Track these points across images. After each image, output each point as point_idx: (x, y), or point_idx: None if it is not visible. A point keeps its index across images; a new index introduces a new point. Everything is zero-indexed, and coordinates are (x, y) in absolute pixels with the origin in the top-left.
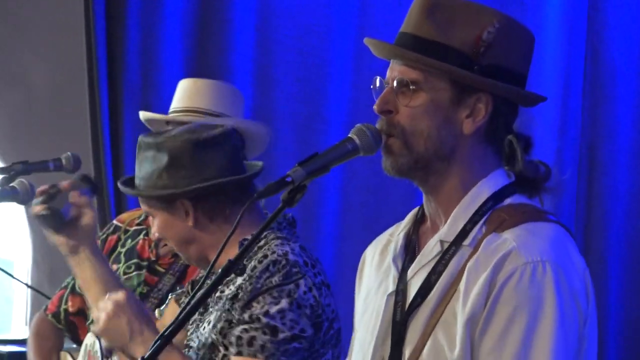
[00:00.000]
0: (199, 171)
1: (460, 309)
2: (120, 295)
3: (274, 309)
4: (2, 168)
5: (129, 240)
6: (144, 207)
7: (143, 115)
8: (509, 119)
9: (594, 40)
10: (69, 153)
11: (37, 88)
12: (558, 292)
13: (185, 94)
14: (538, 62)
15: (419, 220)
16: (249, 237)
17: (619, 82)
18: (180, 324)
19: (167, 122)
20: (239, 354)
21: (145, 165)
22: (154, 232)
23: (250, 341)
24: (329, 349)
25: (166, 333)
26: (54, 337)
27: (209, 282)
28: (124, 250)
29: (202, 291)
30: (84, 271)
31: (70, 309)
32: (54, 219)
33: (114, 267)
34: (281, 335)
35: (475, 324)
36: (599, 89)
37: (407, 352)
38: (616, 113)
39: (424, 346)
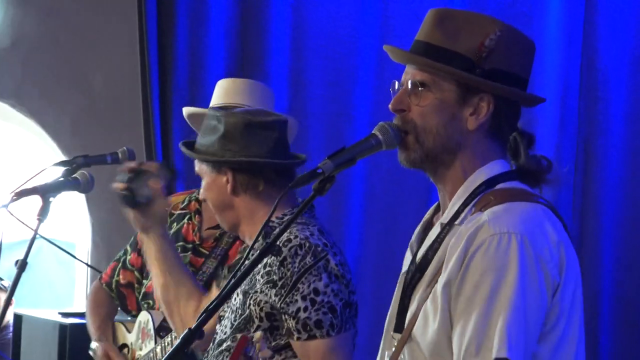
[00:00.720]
0: (244, 147)
1: (441, 277)
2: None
3: (320, 285)
4: (66, 161)
5: (175, 224)
6: (197, 168)
7: (186, 110)
8: (511, 117)
9: (589, 50)
10: (124, 147)
11: (97, 91)
12: (522, 258)
13: (224, 91)
14: (541, 69)
15: (437, 208)
16: (274, 218)
17: (610, 86)
18: (223, 298)
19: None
20: (311, 337)
21: (206, 134)
22: (200, 195)
23: (319, 324)
24: (350, 327)
25: (210, 307)
26: (108, 304)
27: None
28: (170, 232)
29: (242, 270)
30: (150, 250)
31: (121, 281)
32: (130, 199)
33: None
34: (338, 310)
35: (450, 289)
36: (593, 92)
37: (407, 322)
38: (608, 113)
39: (417, 316)
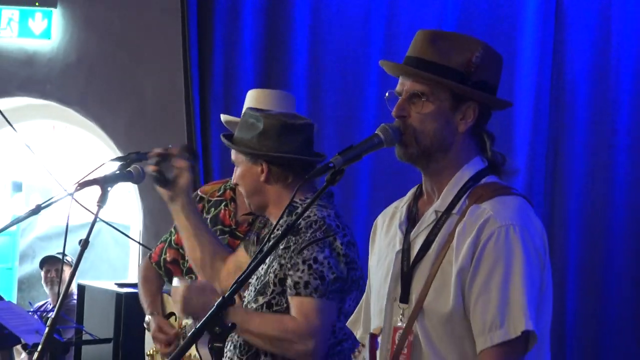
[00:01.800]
0: (279, 145)
1: (454, 262)
2: (180, 291)
3: (320, 256)
4: (121, 157)
5: (212, 209)
6: (234, 157)
7: (224, 117)
8: (486, 120)
9: (558, 63)
10: (169, 145)
11: (147, 99)
12: (524, 246)
13: (254, 100)
14: (518, 79)
15: (418, 195)
16: (297, 200)
17: (577, 93)
18: (252, 271)
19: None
20: (297, 294)
21: (243, 130)
22: (234, 180)
23: (306, 285)
24: (354, 289)
25: (240, 279)
26: (157, 280)
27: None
28: (209, 217)
29: (268, 245)
30: (179, 217)
31: (168, 259)
32: (160, 177)
33: None
34: (327, 279)
35: (464, 275)
36: (561, 98)
37: (413, 296)
38: (575, 116)
39: (427, 292)
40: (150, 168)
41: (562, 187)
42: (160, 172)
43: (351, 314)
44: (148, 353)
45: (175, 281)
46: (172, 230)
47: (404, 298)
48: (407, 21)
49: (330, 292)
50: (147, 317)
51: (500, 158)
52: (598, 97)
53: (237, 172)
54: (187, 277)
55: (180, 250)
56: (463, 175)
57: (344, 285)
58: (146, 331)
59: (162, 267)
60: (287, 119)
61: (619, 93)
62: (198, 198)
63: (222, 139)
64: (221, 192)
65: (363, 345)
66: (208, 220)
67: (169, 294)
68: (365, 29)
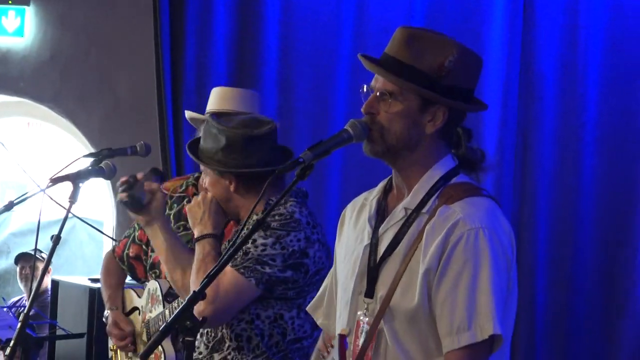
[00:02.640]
0: (245, 158)
1: (421, 261)
2: (210, 196)
3: (259, 241)
4: (93, 153)
5: (175, 205)
6: (202, 166)
7: (188, 114)
8: (459, 121)
9: (527, 58)
10: (142, 142)
11: (120, 96)
12: (492, 249)
13: (218, 98)
14: (487, 74)
15: (388, 189)
16: (274, 198)
17: (544, 88)
18: (223, 264)
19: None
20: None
21: (208, 141)
22: (205, 185)
23: (236, 260)
24: (314, 289)
25: (211, 273)
26: (118, 273)
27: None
28: (172, 212)
29: (238, 241)
30: (156, 239)
31: (131, 254)
32: (133, 203)
33: None
34: (249, 256)
35: (430, 275)
36: (530, 93)
37: (379, 292)
38: (543, 110)
39: (394, 290)
40: (121, 196)
41: (531, 181)
42: (131, 197)
43: None
44: (111, 348)
45: (153, 283)
46: (136, 225)
47: (369, 293)
48: (377, 17)
49: (251, 272)
50: (106, 311)
51: (479, 154)
52: (566, 90)
53: (207, 180)
54: (150, 273)
55: (143, 247)
56: (434, 174)
57: (285, 279)
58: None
59: (125, 261)
60: (250, 130)
61: (587, 87)
62: None
63: (189, 152)
64: (183, 188)
65: (332, 346)
66: (171, 217)
67: (132, 289)
68: (335, 25)
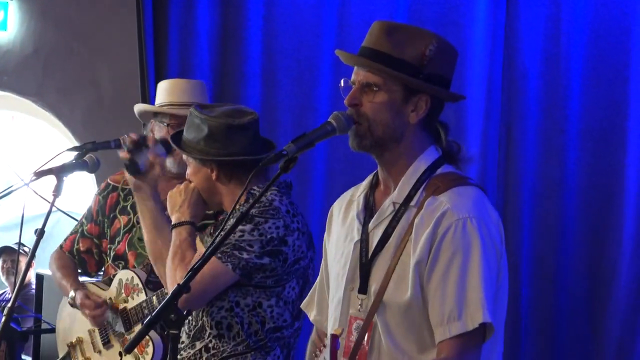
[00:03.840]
0: (227, 147)
1: (411, 253)
2: (192, 186)
3: (242, 227)
4: (77, 147)
5: (130, 197)
6: (184, 157)
7: (137, 108)
8: (439, 112)
9: (510, 50)
10: (125, 135)
11: (103, 89)
12: (481, 238)
13: (164, 92)
14: (470, 66)
15: (374, 184)
16: (255, 188)
17: (527, 80)
18: (207, 257)
19: (155, 114)
20: None
21: (190, 131)
22: (187, 175)
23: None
24: (293, 278)
25: (195, 266)
26: (73, 266)
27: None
28: (128, 204)
29: (223, 233)
30: (143, 205)
31: (81, 248)
32: (131, 167)
33: (124, 218)
34: (230, 247)
35: (422, 266)
36: (513, 85)
37: (373, 287)
38: (526, 103)
39: (387, 284)
40: (122, 154)
41: (515, 173)
42: (132, 161)
43: (291, 302)
44: (69, 343)
45: (126, 273)
46: (83, 220)
47: (363, 289)
48: (359, 10)
49: (228, 257)
50: (71, 293)
51: (455, 147)
52: (549, 83)
53: (189, 170)
54: (116, 264)
55: (95, 240)
56: (419, 166)
57: (263, 266)
58: (60, 321)
59: (75, 256)
60: (232, 120)
61: (570, 79)
62: (111, 187)
63: (172, 143)
64: None
65: (324, 346)
66: (129, 208)
67: (93, 283)
68: (318, 19)
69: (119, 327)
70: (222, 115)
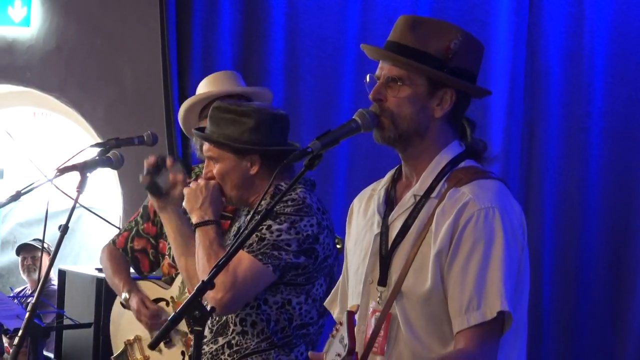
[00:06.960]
0: (271, 137)
1: (432, 244)
2: (212, 183)
3: (274, 227)
4: (100, 143)
5: None
6: (214, 152)
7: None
8: (465, 107)
9: (533, 48)
10: (149, 131)
11: (126, 85)
12: (504, 228)
13: (211, 82)
14: (494, 64)
15: (396, 178)
16: (282, 184)
17: (550, 78)
18: (231, 255)
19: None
20: (243, 249)
21: (224, 124)
22: (216, 177)
23: (251, 245)
24: (322, 276)
25: (220, 263)
26: (126, 264)
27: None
28: None
29: (247, 230)
30: (168, 225)
31: (135, 247)
32: (153, 189)
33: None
34: (265, 242)
35: (443, 256)
36: (536, 82)
37: (393, 278)
38: (548, 100)
39: (406, 274)
40: (144, 179)
41: (538, 171)
42: (152, 183)
43: (319, 299)
44: (127, 340)
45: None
46: (139, 219)
47: (382, 281)
48: (382, 7)
49: (268, 257)
50: (124, 295)
51: (481, 145)
52: (572, 80)
53: (219, 168)
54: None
55: (151, 240)
56: (441, 159)
57: (297, 264)
58: (118, 317)
59: (129, 254)
60: (277, 110)
61: (593, 76)
62: None
63: (201, 137)
64: (192, 179)
65: (340, 324)
66: None
67: (152, 280)
68: (341, 15)
69: (182, 326)
70: (262, 107)
